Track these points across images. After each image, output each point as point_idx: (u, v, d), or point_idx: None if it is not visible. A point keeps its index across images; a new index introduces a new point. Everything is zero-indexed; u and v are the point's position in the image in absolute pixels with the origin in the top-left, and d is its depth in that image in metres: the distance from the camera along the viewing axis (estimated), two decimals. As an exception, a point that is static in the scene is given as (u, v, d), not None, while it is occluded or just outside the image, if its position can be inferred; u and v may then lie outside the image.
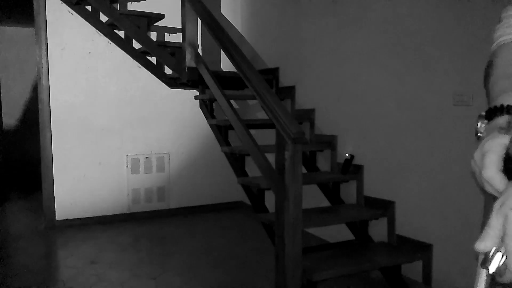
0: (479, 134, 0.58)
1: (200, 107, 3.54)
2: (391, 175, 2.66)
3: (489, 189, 0.51)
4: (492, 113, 0.57)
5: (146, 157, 4.06)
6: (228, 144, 3.07)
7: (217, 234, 3.69)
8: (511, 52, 0.68)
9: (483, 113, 0.59)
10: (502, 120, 0.55)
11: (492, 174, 0.50)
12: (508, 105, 0.55)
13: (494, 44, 0.71)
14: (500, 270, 0.45)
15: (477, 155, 0.53)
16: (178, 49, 3.41)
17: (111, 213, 3.95)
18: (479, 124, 0.59)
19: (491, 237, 0.45)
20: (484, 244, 0.45)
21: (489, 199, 0.53)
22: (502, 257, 0.44)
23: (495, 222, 0.44)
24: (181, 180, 4.23)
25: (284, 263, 2.10)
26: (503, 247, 0.44)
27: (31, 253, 3.15)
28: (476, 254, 0.47)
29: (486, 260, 0.45)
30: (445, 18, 2.30)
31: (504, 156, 0.50)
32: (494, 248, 0.45)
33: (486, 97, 0.67)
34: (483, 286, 0.46)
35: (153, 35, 4.02)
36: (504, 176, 0.50)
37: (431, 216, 2.41)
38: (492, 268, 0.45)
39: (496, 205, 0.45)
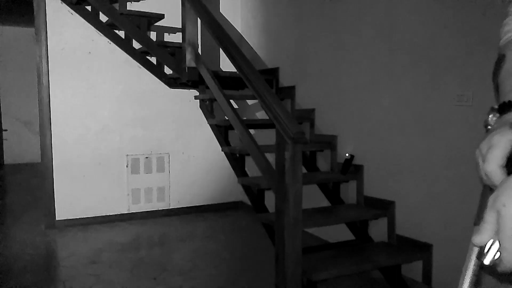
0: (489, 127, 0.58)
1: (200, 107, 3.54)
2: (391, 175, 2.66)
3: (486, 182, 0.52)
4: (505, 108, 0.57)
5: (146, 157, 4.06)
6: (228, 144, 3.06)
7: (217, 234, 3.69)
8: None
9: (496, 106, 0.59)
10: None
11: (493, 168, 0.50)
12: None
13: (503, 39, 0.71)
14: (495, 262, 0.46)
15: (483, 146, 0.53)
16: (178, 49, 3.41)
17: (111, 213, 3.95)
18: (490, 117, 0.59)
19: (486, 231, 0.46)
20: (480, 238, 0.47)
21: (486, 190, 0.54)
22: (497, 251, 0.46)
23: (489, 217, 0.46)
24: (181, 180, 4.23)
25: (284, 263, 2.10)
26: (497, 241, 0.46)
27: (31, 253, 3.15)
28: (470, 245, 0.49)
29: (482, 253, 0.47)
30: (445, 18, 2.30)
31: (510, 152, 0.51)
32: (490, 242, 0.46)
33: (494, 91, 0.67)
34: (471, 272, 0.49)
35: (153, 35, 4.02)
36: (505, 171, 0.50)
37: (431, 216, 2.41)
38: (487, 260, 0.46)
39: (490, 200, 0.47)
